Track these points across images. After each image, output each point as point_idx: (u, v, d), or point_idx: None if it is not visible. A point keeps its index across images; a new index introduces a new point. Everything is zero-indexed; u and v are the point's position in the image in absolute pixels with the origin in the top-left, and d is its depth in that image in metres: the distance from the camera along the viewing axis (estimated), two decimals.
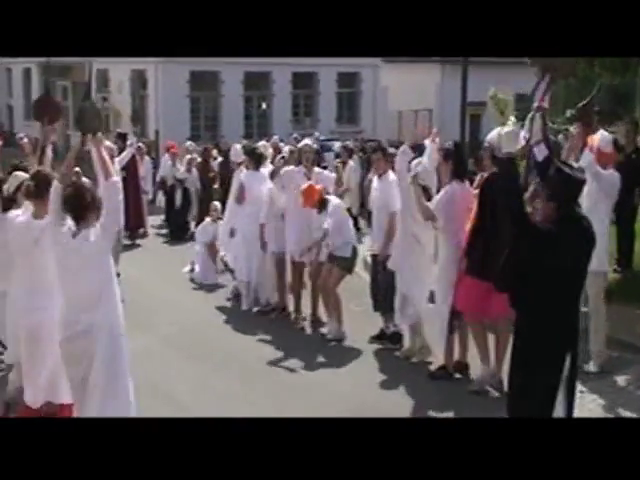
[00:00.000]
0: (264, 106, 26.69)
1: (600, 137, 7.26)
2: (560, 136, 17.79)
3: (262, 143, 11.76)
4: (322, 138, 21.04)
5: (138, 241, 14.14)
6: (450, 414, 6.48)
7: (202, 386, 7.18)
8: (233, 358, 8.03)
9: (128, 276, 10.67)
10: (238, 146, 11.33)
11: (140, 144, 15.67)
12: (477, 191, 6.91)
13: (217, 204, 11.82)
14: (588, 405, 6.38)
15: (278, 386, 7.29)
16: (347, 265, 8.59)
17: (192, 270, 11.51)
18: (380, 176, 8.28)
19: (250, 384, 7.32)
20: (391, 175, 8.14)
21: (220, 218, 11.32)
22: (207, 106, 25.81)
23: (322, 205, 8.51)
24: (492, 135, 6.75)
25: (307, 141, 9.74)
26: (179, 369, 7.56)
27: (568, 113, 30.85)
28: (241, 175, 9.92)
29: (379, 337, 8.35)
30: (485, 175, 6.86)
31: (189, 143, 16.97)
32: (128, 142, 12.89)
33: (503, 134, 6.46)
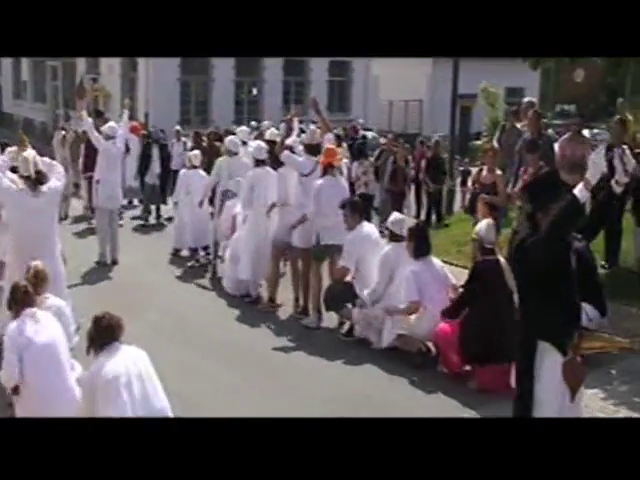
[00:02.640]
0: (255, 92, 26.59)
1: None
2: (550, 130, 17.91)
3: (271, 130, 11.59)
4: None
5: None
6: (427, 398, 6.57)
7: (190, 372, 7.19)
8: (219, 343, 8.05)
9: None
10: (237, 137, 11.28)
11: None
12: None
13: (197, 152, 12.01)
14: None
15: (263, 371, 7.33)
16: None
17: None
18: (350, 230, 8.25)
19: (235, 369, 7.34)
20: (362, 229, 8.22)
21: (196, 167, 11.49)
22: (197, 90, 25.68)
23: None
24: (480, 227, 7.12)
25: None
26: (165, 353, 7.56)
27: (558, 108, 31.06)
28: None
29: (350, 333, 8.28)
30: (475, 262, 7.20)
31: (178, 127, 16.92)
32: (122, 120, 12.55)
33: (485, 227, 7.05)
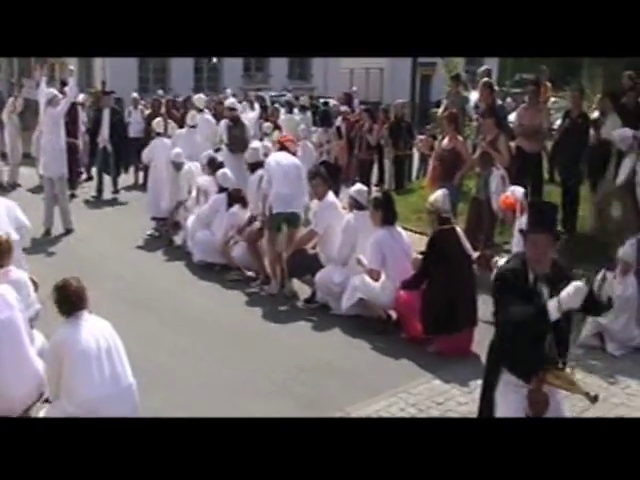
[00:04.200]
0: (214, 60, 26.31)
1: None
2: (509, 99, 18.01)
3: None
4: (273, 94, 20.92)
5: (77, 192, 13.87)
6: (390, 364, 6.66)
7: (149, 339, 7.17)
8: (180, 312, 8.04)
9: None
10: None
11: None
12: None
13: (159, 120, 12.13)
14: None
15: (225, 339, 7.34)
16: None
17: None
18: (320, 199, 8.54)
19: (197, 337, 7.35)
20: (330, 198, 8.49)
21: (160, 134, 11.45)
22: (156, 58, 25.33)
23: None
24: (436, 197, 7.28)
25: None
26: (126, 322, 7.52)
27: (517, 77, 31.21)
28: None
29: (311, 299, 8.38)
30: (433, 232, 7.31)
31: (135, 95, 16.69)
32: (66, 88, 11.93)
33: (441, 197, 7.23)
